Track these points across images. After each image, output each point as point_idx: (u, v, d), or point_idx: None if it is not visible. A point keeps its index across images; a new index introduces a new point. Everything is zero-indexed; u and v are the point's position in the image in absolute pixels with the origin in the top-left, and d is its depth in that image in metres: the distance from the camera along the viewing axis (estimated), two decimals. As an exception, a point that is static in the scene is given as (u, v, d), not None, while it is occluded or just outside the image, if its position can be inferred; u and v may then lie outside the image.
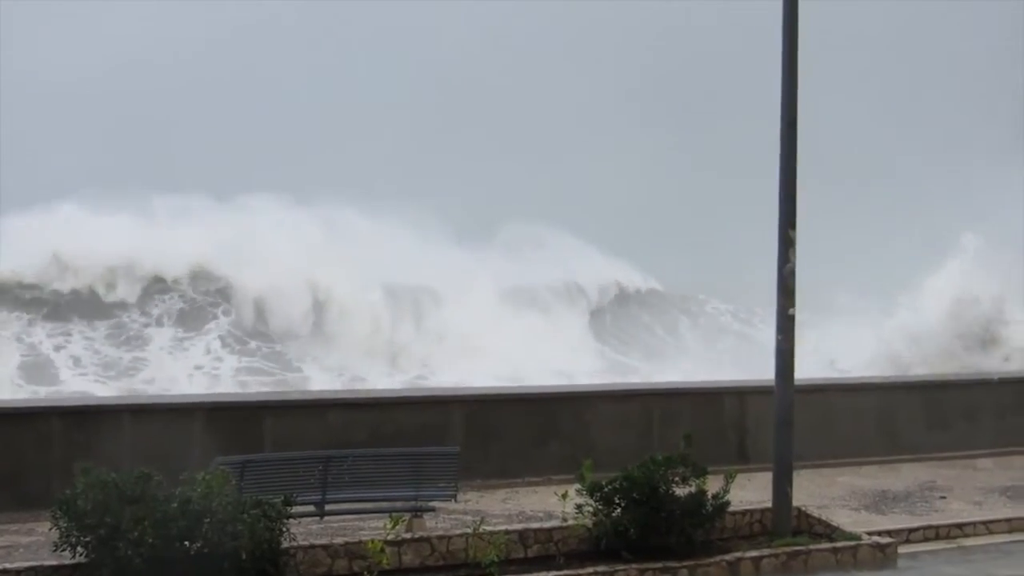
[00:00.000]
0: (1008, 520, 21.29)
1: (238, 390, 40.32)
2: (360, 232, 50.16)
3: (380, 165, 63.89)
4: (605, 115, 68.24)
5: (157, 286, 48.03)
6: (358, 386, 40.61)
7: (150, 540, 14.60)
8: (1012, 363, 33.13)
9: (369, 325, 47.51)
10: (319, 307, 47.35)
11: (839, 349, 39.01)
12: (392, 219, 50.42)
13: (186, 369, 44.05)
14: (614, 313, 56.65)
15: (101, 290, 47.02)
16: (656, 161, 65.87)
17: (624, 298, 57.90)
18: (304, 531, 17.60)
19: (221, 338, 46.17)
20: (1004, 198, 40.76)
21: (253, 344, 46.00)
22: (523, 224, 55.29)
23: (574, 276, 56.59)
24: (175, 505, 14.84)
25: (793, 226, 19.12)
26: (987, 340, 35.22)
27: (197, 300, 48.14)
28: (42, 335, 44.82)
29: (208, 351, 45.54)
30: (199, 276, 48.78)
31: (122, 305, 46.93)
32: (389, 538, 16.58)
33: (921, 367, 33.90)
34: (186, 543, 14.81)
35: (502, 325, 47.48)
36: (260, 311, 47.02)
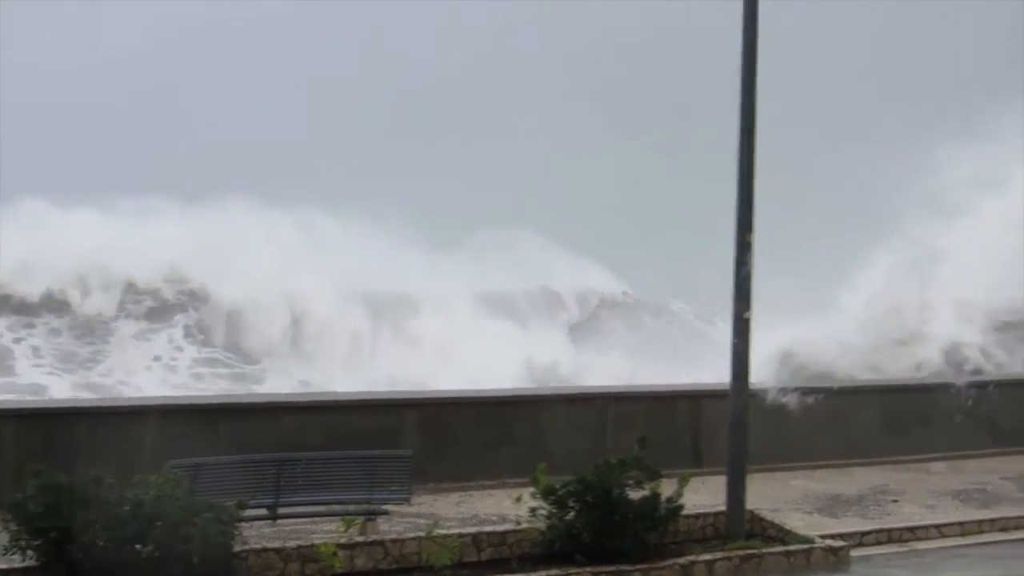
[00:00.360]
0: (960, 523, 21.43)
1: (194, 382, 40.16)
2: (333, 236, 49.89)
3: (347, 168, 63.72)
4: (577, 117, 68.27)
5: (131, 297, 47.45)
6: (314, 388, 40.39)
7: (101, 543, 14.54)
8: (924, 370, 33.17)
9: (348, 341, 47.14)
10: (296, 322, 46.92)
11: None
12: (363, 223, 50.17)
13: (145, 361, 43.70)
14: (591, 318, 56.58)
15: (75, 299, 46.43)
16: (630, 164, 65.97)
17: (602, 303, 57.84)
18: (257, 534, 17.50)
19: (186, 327, 45.80)
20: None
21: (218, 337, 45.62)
22: (496, 228, 55.14)
23: (549, 281, 56.51)
24: (127, 508, 14.78)
25: (750, 230, 19.17)
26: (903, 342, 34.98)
27: (169, 300, 47.69)
28: (2, 327, 44.33)
29: (170, 341, 45.17)
30: (172, 280, 48.27)
31: (98, 318, 46.38)
32: (342, 541, 16.55)
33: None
34: (137, 546, 14.73)
35: (479, 332, 47.24)
36: (234, 326, 46.50)
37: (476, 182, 64.18)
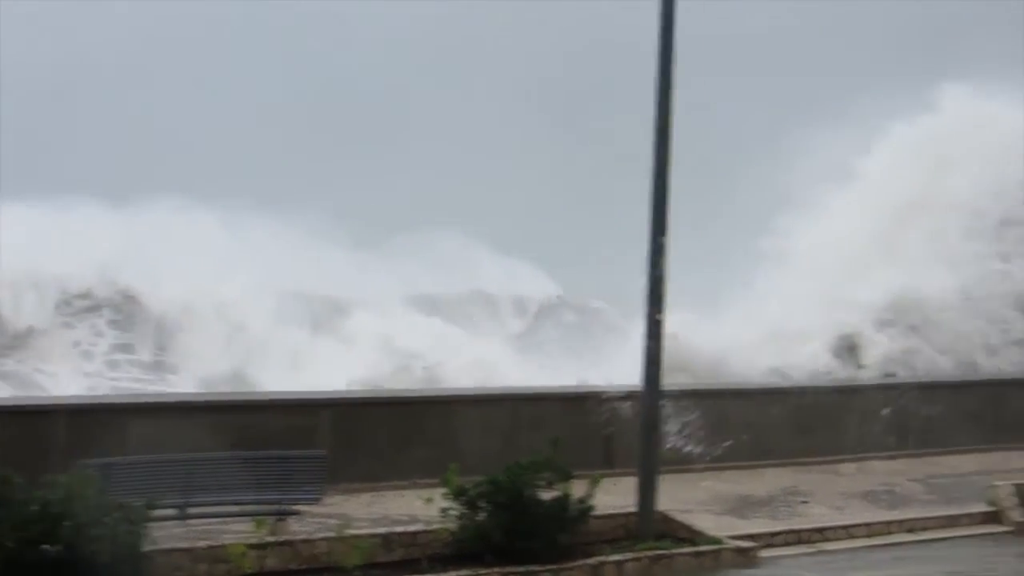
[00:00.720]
0: (868, 524, 21.70)
1: (106, 370, 39.74)
2: (257, 236, 49.30)
3: (271, 166, 63.18)
4: (503, 118, 68.13)
5: (67, 308, 46.58)
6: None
7: (9, 544, 14.38)
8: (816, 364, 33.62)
9: (275, 342, 46.54)
10: (225, 323, 46.25)
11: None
12: (287, 222, 49.67)
13: (62, 348, 43.06)
14: (534, 322, 56.35)
15: (7, 311, 45.54)
16: (558, 164, 65.89)
17: (541, 308, 57.65)
18: (167, 535, 17.34)
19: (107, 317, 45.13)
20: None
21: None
22: (423, 229, 54.86)
23: (482, 283, 56.25)
24: (35, 508, 14.64)
25: (663, 233, 19.31)
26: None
27: (95, 301, 46.92)
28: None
29: (92, 327, 44.52)
30: (105, 283, 47.43)
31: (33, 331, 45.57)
32: (252, 542, 16.50)
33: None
34: (45, 547, 14.59)
35: (415, 334, 46.74)
36: (168, 336, 45.76)
37: (401, 183, 63.91)
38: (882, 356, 34.91)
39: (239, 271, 45.97)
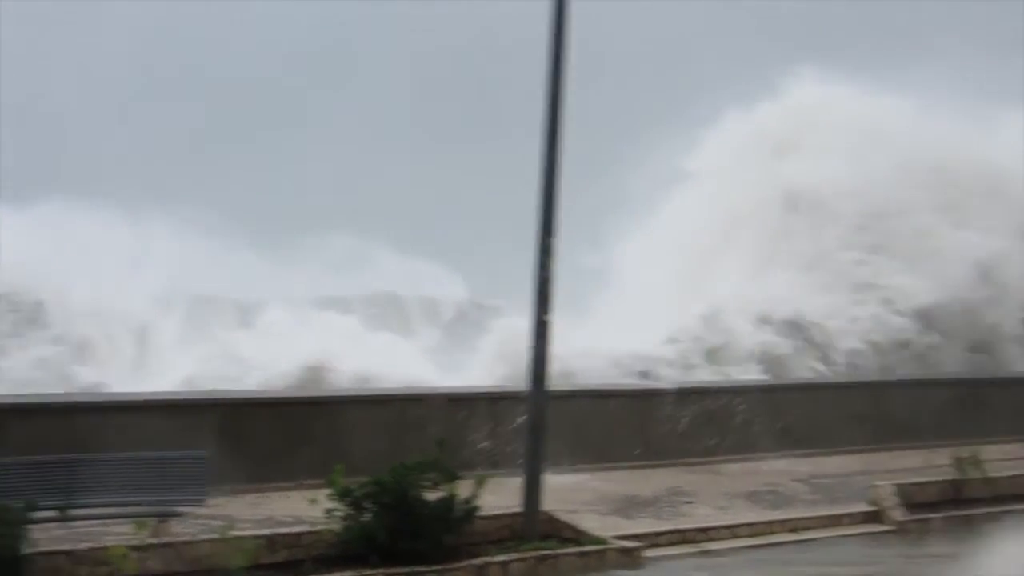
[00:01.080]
0: (751, 524, 21.88)
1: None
2: (154, 237, 48.45)
3: (166, 167, 62.34)
4: (401, 119, 67.84)
5: None
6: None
7: None
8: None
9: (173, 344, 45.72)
10: (123, 325, 45.38)
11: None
12: (182, 223, 48.88)
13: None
14: (436, 321, 55.97)
15: None
16: (451, 164, 65.74)
17: (457, 311, 57.27)
18: (47, 537, 17.10)
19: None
20: None
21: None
22: (319, 231, 54.32)
23: (387, 284, 55.73)
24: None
25: (551, 234, 19.35)
26: None
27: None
28: None
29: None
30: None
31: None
32: (134, 543, 16.30)
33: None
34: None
35: (325, 334, 45.93)
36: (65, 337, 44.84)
37: (294, 183, 63.43)
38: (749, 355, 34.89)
39: (141, 272, 45.28)
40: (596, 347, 32.34)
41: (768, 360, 34.68)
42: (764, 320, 35.88)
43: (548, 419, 19.55)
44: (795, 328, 35.94)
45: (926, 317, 37.06)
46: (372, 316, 47.62)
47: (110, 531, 17.89)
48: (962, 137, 39.59)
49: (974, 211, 38.75)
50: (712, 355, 34.31)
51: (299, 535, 17.75)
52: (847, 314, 36.70)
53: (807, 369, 34.94)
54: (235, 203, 53.34)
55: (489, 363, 31.99)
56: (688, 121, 41.28)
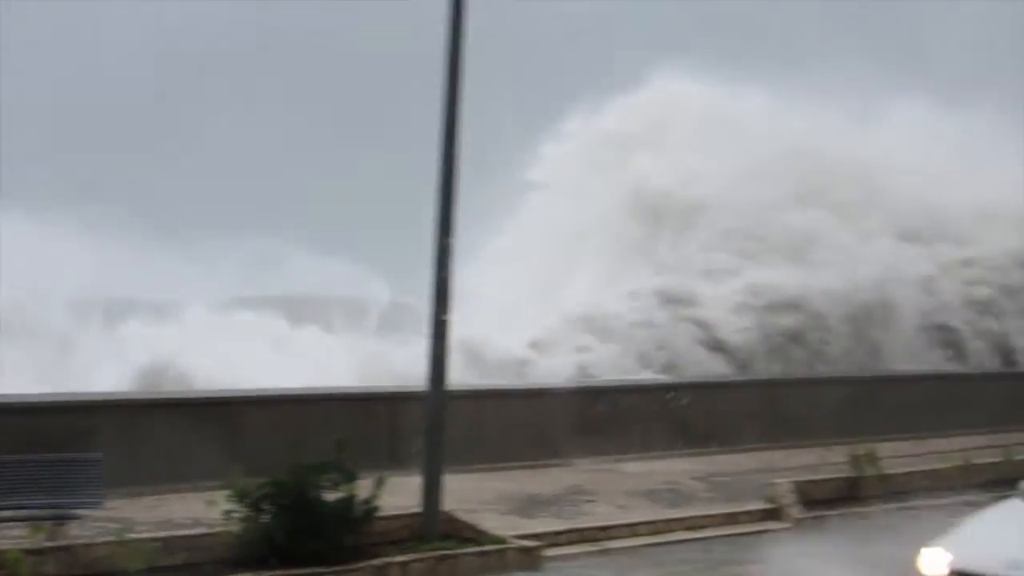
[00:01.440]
0: (651, 522, 22.03)
1: None
2: (47, 237, 47.67)
3: (63, 166, 61.55)
4: (295, 117, 67.50)
5: None
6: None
7: None
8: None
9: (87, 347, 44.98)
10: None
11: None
12: (80, 223, 48.14)
13: None
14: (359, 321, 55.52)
15: None
16: (353, 165, 65.45)
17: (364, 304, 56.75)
18: (-61, 541, 16.92)
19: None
20: None
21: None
22: (227, 231, 53.73)
23: (306, 287, 55.20)
24: None
25: (449, 234, 19.37)
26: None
27: None
28: None
29: None
30: None
31: None
32: (29, 547, 16.11)
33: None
34: None
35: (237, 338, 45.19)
36: None
37: (197, 184, 62.85)
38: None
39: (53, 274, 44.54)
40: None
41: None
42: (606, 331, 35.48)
43: (448, 419, 19.58)
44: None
45: (786, 309, 36.99)
46: (298, 317, 47.32)
47: (4, 535, 17.66)
48: (827, 132, 39.57)
49: (838, 203, 38.63)
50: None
51: (197, 537, 17.63)
52: (701, 313, 36.43)
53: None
54: (139, 204, 52.82)
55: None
56: (535, 127, 40.80)
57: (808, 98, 39.34)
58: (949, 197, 39.82)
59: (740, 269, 37.40)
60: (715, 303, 36.26)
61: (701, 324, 35.85)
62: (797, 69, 40.12)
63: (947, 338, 38.60)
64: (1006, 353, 39.41)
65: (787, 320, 36.70)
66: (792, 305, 36.67)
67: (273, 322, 43.52)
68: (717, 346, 35.71)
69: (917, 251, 38.66)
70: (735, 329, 35.92)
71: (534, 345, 34.58)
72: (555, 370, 32.65)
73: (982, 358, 38.81)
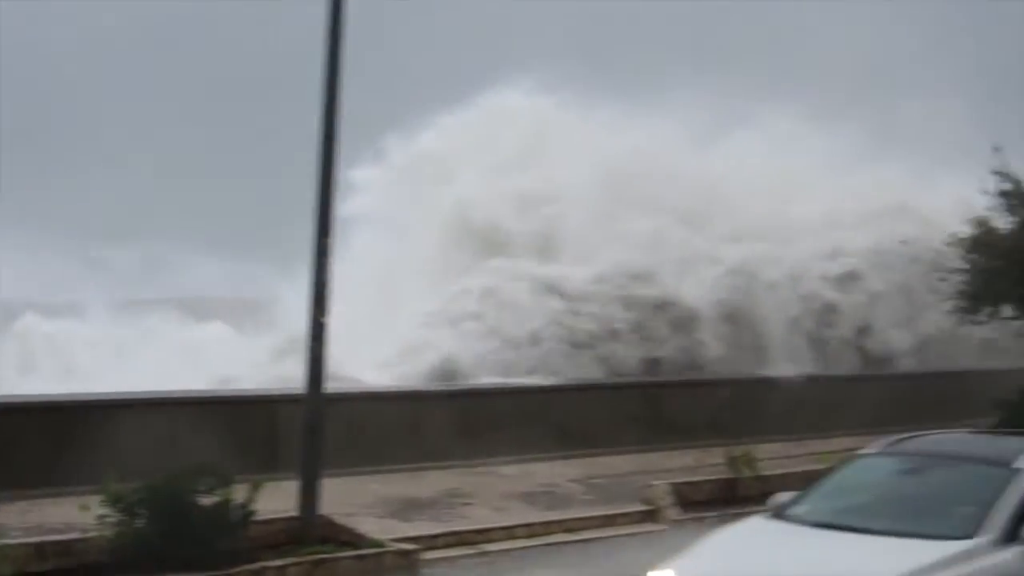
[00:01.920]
0: (528, 525, 22.07)
1: None
2: None
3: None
4: (187, 119, 66.95)
5: None
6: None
7: None
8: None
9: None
10: None
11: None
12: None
13: None
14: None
15: None
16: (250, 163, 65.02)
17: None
18: None
19: None
20: None
21: None
22: (128, 236, 53.09)
23: (203, 288, 54.64)
24: None
25: (327, 235, 19.32)
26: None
27: None
28: None
29: None
30: None
31: None
32: None
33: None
34: None
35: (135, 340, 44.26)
36: None
37: (100, 188, 62.13)
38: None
39: None
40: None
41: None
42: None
43: (325, 421, 19.50)
44: None
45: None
46: (198, 318, 46.70)
47: None
48: (671, 145, 39.26)
49: (683, 210, 38.14)
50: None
51: (70, 543, 17.39)
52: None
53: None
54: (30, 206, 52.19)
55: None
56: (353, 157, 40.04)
57: (658, 114, 39.15)
58: (798, 206, 39.83)
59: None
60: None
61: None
62: (651, 88, 40.26)
63: (815, 340, 38.54)
64: (864, 355, 39.22)
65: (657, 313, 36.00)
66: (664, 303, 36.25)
67: (166, 325, 43.26)
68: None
69: (767, 253, 38.10)
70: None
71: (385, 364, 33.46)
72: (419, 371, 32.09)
73: (844, 359, 38.69)
